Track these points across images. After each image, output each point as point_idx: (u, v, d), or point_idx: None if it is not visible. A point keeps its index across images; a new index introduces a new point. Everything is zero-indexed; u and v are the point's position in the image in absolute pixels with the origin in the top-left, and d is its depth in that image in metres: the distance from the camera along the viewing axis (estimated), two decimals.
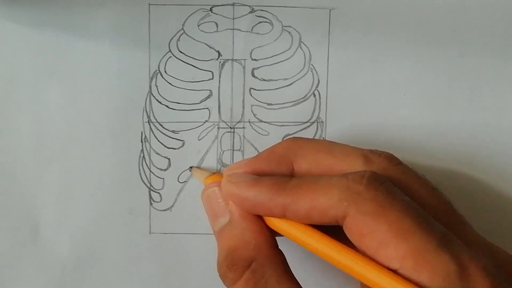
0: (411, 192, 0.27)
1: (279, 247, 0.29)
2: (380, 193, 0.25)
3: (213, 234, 0.30)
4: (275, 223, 0.28)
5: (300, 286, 0.28)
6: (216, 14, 0.33)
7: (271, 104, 0.34)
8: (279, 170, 0.29)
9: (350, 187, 0.26)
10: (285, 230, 0.28)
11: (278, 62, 0.34)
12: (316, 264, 0.35)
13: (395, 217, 0.25)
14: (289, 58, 0.34)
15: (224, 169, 0.32)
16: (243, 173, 0.29)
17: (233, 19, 0.33)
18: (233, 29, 0.33)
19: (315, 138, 0.34)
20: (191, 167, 0.34)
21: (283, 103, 0.34)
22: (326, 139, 0.34)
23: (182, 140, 0.34)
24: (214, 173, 0.33)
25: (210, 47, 0.34)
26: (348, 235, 0.26)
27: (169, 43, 0.33)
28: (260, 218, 0.29)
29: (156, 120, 0.34)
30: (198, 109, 0.34)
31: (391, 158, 0.29)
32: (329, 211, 0.26)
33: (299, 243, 0.27)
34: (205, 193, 0.31)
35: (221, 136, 0.34)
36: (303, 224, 0.27)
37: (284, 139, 0.31)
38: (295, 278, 0.28)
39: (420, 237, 0.24)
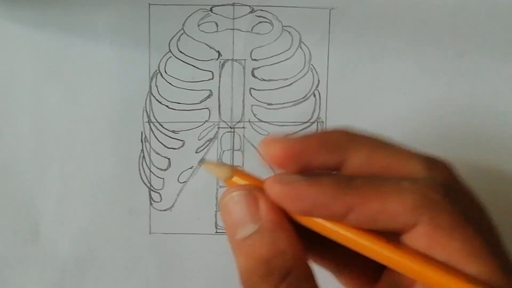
0: (468, 209, 0.26)
1: None
2: (457, 206, 0.24)
3: (230, 244, 0.27)
4: (327, 225, 0.25)
5: None
6: (216, 14, 0.33)
7: (271, 104, 0.34)
8: (329, 162, 0.26)
9: (426, 195, 0.24)
10: (341, 233, 0.25)
11: (278, 62, 0.34)
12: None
13: (470, 234, 0.23)
14: (289, 58, 0.34)
15: (262, 145, 0.26)
16: (291, 173, 0.26)
17: (233, 19, 0.33)
18: (233, 29, 0.33)
19: None
20: (201, 161, 0.31)
21: (283, 103, 0.34)
22: None
23: (182, 140, 0.34)
24: (231, 167, 0.28)
25: (210, 47, 0.34)
26: (409, 244, 0.24)
27: (169, 43, 0.34)
28: (292, 228, 0.26)
29: (156, 120, 0.34)
30: (198, 109, 0.34)
31: (452, 168, 0.27)
32: (399, 217, 0.24)
33: (357, 248, 0.25)
34: (226, 197, 0.27)
35: (221, 136, 0.34)
36: (357, 229, 0.25)
37: (337, 128, 0.27)
38: None
39: (491, 262, 0.23)
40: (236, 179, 0.27)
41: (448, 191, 0.24)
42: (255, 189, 0.26)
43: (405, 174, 0.25)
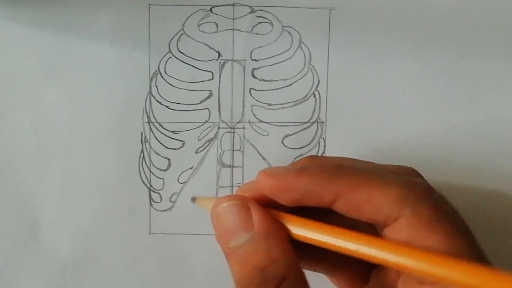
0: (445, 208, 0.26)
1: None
2: (437, 200, 0.25)
3: (224, 253, 0.28)
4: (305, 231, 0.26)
5: None
6: (216, 14, 0.33)
7: (271, 104, 0.34)
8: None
9: (410, 188, 0.25)
10: (324, 240, 0.26)
11: (278, 63, 0.34)
12: None
13: (449, 229, 0.24)
14: (289, 58, 0.34)
15: (236, 191, 0.29)
16: (280, 166, 0.28)
17: (233, 19, 0.33)
18: (233, 29, 0.33)
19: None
20: (194, 198, 0.31)
21: (283, 103, 0.34)
22: (326, 139, 0.34)
23: (182, 141, 0.34)
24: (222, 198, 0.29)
25: (210, 48, 0.34)
26: (390, 236, 0.25)
27: (169, 43, 0.33)
28: (285, 235, 0.26)
29: (156, 120, 0.34)
30: (198, 109, 0.34)
31: (418, 174, 0.28)
32: (383, 208, 0.25)
33: (342, 250, 0.25)
34: (218, 207, 0.28)
35: (221, 136, 0.34)
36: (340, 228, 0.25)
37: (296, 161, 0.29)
38: None
39: (469, 255, 0.24)
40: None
41: (429, 187, 0.26)
42: (247, 198, 0.27)
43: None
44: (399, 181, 0.25)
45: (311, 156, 0.30)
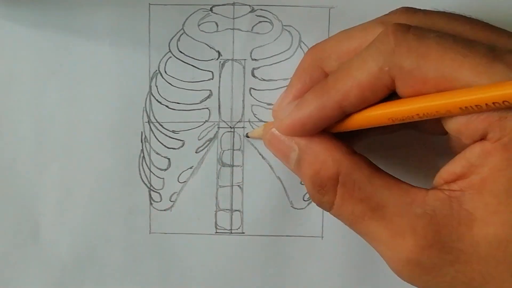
0: (439, 27, 0.26)
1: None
2: (411, 40, 0.24)
3: (293, 171, 0.30)
4: (353, 121, 0.27)
5: (393, 177, 0.27)
6: (216, 14, 0.33)
7: (271, 104, 0.34)
8: (315, 82, 0.29)
9: (382, 51, 0.25)
10: (366, 118, 0.27)
11: (278, 62, 0.34)
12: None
13: (440, 53, 0.24)
14: (289, 58, 0.34)
15: (271, 110, 0.32)
16: (286, 106, 0.29)
17: (233, 18, 0.33)
18: (233, 29, 0.33)
19: None
20: (247, 135, 0.34)
21: None
22: None
23: (182, 140, 0.34)
24: (265, 124, 0.32)
25: (210, 47, 0.34)
26: (406, 95, 0.25)
27: (169, 43, 0.34)
28: (326, 134, 0.28)
29: (156, 120, 0.34)
30: (198, 109, 0.34)
31: (407, 9, 0.28)
32: (377, 83, 0.25)
33: (383, 120, 0.26)
34: (266, 139, 0.31)
35: (221, 136, 0.34)
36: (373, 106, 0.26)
37: (306, 51, 0.31)
38: (386, 173, 0.27)
39: (469, 54, 0.23)
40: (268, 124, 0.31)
41: (399, 33, 0.25)
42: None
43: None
44: (371, 50, 0.25)
45: (312, 47, 0.31)
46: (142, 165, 0.34)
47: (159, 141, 0.34)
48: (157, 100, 0.34)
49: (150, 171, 0.34)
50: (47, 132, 0.34)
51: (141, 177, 0.34)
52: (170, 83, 0.34)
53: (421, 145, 0.34)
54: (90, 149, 0.34)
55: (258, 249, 0.35)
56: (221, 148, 0.34)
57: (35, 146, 0.34)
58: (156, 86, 0.34)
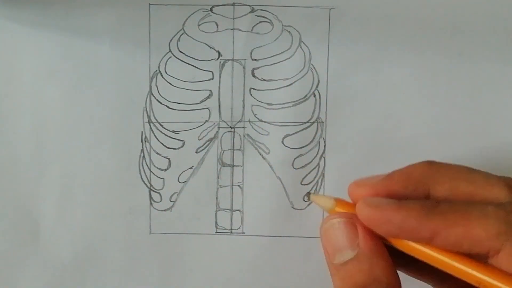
0: None
1: None
2: None
3: (329, 268, 0.28)
4: (420, 248, 0.26)
5: None
6: (216, 14, 0.33)
7: (271, 104, 0.34)
8: (415, 195, 0.28)
9: (510, 220, 0.25)
10: (433, 255, 0.26)
11: (278, 62, 0.34)
12: None
13: None
14: (289, 58, 0.34)
15: (348, 188, 0.29)
16: (379, 197, 0.27)
17: (233, 19, 0.33)
18: (233, 29, 0.33)
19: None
20: (308, 193, 0.33)
21: (283, 103, 0.34)
22: (326, 139, 0.34)
23: (182, 140, 0.34)
24: (337, 199, 0.29)
25: (210, 47, 0.34)
26: (497, 266, 0.25)
27: (169, 43, 0.34)
28: (389, 255, 0.27)
29: (156, 120, 0.34)
30: (198, 109, 0.34)
31: None
32: (483, 243, 0.25)
33: (448, 269, 0.26)
34: (326, 224, 0.28)
35: (221, 136, 0.34)
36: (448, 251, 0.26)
37: (420, 162, 0.29)
38: None
39: None
40: (338, 209, 0.29)
41: None
42: (355, 217, 0.27)
43: (490, 199, 0.26)
44: (498, 213, 0.25)
45: (430, 162, 0.29)
46: (142, 165, 0.34)
47: (159, 141, 0.34)
48: (157, 100, 0.34)
49: (150, 171, 0.34)
50: (47, 132, 0.34)
51: (141, 177, 0.34)
52: (170, 83, 0.34)
53: None
54: (90, 149, 0.34)
55: (258, 249, 0.35)
56: (221, 148, 0.34)
57: (35, 146, 0.34)
58: (156, 86, 0.34)
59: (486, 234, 0.25)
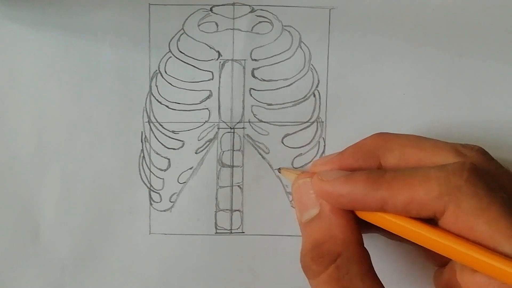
0: (505, 189, 0.26)
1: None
2: (481, 189, 0.25)
3: (299, 224, 0.30)
4: (373, 216, 0.28)
5: (383, 286, 0.27)
6: (216, 14, 0.33)
7: (271, 104, 0.34)
8: (366, 166, 0.29)
9: (451, 181, 0.25)
10: (385, 221, 0.27)
11: (278, 62, 0.34)
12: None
13: (495, 216, 0.24)
14: (289, 58, 0.34)
15: (310, 165, 0.32)
16: (333, 170, 0.29)
17: (233, 19, 0.33)
18: (233, 29, 0.33)
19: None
20: (279, 168, 0.34)
21: (283, 103, 0.34)
22: (326, 139, 0.34)
23: (182, 141, 0.34)
24: (303, 172, 0.32)
25: (210, 47, 0.34)
26: (445, 228, 0.26)
27: (169, 43, 0.34)
28: (349, 213, 0.28)
29: (156, 120, 0.34)
30: (198, 109, 0.34)
31: (484, 152, 0.28)
32: (428, 205, 0.25)
33: (400, 233, 0.27)
34: (296, 183, 0.30)
35: (221, 137, 0.34)
36: (401, 216, 0.27)
37: (372, 134, 0.30)
38: (378, 278, 0.27)
39: None
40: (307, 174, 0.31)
41: (474, 174, 0.25)
42: (321, 178, 0.29)
43: (436, 163, 0.27)
44: (440, 175, 0.26)
45: (380, 133, 0.30)
46: (142, 165, 0.34)
47: (159, 141, 0.34)
48: (157, 100, 0.34)
49: (150, 171, 0.34)
50: (47, 132, 0.34)
51: (141, 177, 0.34)
52: (170, 83, 0.34)
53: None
54: (90, 149, 0.34)
55: (258, 249, 0.35)
56: (221, 149, 0.34)
57: (35, 146, 0.34)
58: (156, 86, 0.34)
59: (429, 197, 0.25)
